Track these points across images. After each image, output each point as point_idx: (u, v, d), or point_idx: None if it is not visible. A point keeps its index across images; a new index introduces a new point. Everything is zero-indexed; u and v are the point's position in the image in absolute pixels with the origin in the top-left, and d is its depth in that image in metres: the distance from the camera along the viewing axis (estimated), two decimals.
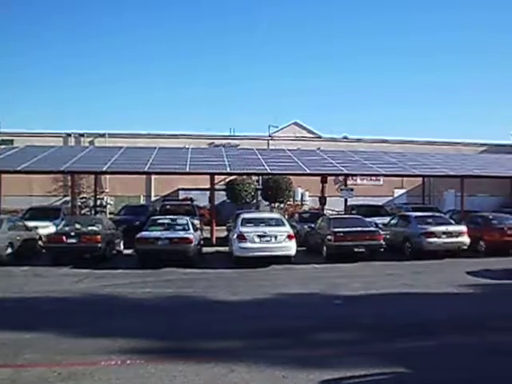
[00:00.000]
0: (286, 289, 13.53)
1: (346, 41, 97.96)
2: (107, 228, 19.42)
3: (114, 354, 7.65)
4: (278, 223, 18.65)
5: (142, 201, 36.31)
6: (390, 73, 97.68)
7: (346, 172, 25.69)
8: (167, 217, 20.41)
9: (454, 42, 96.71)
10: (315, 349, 8.13)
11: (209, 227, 24.65)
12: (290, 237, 17.90)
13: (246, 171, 26.57)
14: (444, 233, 19.50)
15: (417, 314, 10.58)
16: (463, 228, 20.18)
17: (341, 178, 31.01)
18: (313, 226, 21.68)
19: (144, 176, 34.07)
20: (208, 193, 27.31)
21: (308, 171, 24.82)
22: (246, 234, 17.58)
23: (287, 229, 18.25)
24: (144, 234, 17.97)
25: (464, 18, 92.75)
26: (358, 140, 40.89)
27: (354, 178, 34.56)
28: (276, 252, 17.60)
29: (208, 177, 25.12)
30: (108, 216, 30.39)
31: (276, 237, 17.68)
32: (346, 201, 25.81)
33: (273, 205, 35.88)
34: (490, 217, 22.12)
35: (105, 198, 35.68)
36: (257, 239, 17.53)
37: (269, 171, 25.10)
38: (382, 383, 6.59)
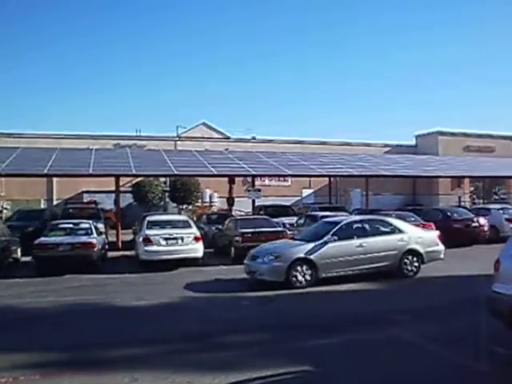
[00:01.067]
0: (193, 291, 13.26)
1: (257, 43, 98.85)
2: (2, 235, 18.22)
3: (6, 370, 7.08)
4: (185, 225, 18.32)
5: (43, 205, 34.48)
6: (301, 73, 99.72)
7: (253, 173, 25.76)
8: (68, 221, 19.48)
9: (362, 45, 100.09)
10: (221, 351, 8.00)
11: (115, 231, 23.84)
12: (196, 239, 17.64)
13: (151, 173, 26.00)
14: None
15: (323, 312, 10.67)
16: None
17: (249, 179, 31.05)
18: (220, 227, 21.48)
19: (45, 179, 32.44)
20: (114, 195, 26.47)
21: (215, 172, 24.66)
22: (151, 237, 17.16)
23: (194, 231, 17.97)
24: (43, 239, 17.03)
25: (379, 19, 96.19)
26: (267, 141, 41.13)
27: (263, 178, 34.76)
28: (183, 254, 17.26)
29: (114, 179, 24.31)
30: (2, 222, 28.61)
31: (183, 239, 17.37)
32: (253, 201, 25.86)
33: (181, 206, 35.38)
34: (393, 215, 22.73)
35: (0, 202, 33.60)
36: (163, 242, 17.14)
37: (175, 173, 24.68)
38: (288, 383, 6.52)
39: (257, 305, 11.68)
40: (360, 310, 10.85)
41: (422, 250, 14.91)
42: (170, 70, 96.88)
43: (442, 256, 15.45)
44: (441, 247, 15.54)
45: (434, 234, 16.22)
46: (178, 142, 39.19)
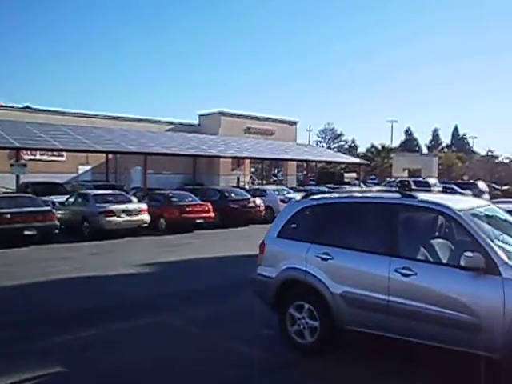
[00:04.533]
0: None
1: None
2: None
3: None
4: None
5: None
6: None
7: (17, 145, 23.20)
8: None
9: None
10: None
11: None
12: None
13: None
14: (124, 211, 19.09)
15: (85, 301, 9.68)
16: (143, 206, 20.15)
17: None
18: None
19: None
20: None
21: None
22: None
23: None
24: None
25: None
26: (44, 111, 37.27)
27: (33, 152, 31.70)
28: None
29: None
30: None
31: None
32: (18, 177, 23.26)
33: None
34: (170, 195, 22.49)
35: None
36: None
37: None
38: None
39: (6, 296, 10.23)
40: (126, 295, 10.17)
41: None
42: None
43: None
44: None
45: None
46: None
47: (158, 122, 43.42)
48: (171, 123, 44.43)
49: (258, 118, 48.16)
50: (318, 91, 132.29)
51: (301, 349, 6.56)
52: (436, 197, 6.82)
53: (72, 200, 20.67)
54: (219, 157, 36.64)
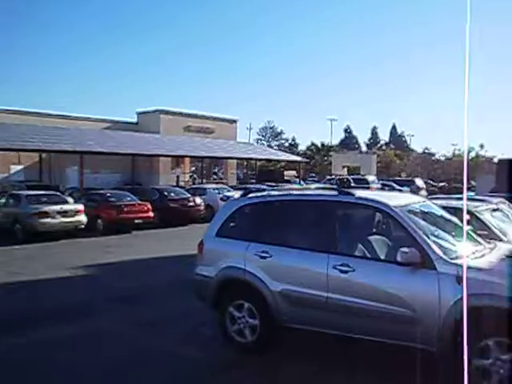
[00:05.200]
0: None
1: None
2: None
3: None
4: None
5: None
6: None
7: None
8: None
9: None
10: None
11: None
12: None
13: None
14: (59, 212, 18.41)
15: (18, 307, 9.35)
16: (80, 207, 19.51)
17: None
18: None
19: None
20: None
21: None
22: None
23: None
24: None
25: None
26: None
27: None
28: None
29: None
30: None
31: None
32: None
33: None
34: (108, 194, 22.07)
35: None
36: None
37: None
38: None
39: None
40: (62, 299, 9.82)
41: None
42: None
43: None
44: None
45: None
46: None
47: (95, 120, 42.22)
48: (108, 121, 43.36)
49: (198, 116, 47.65)
50: (258, 91, 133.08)
51: (242, 348, 6.53)
52: (373, 194, 6.92)
53: (3, 201, 19.81)
54: (158, 155, 36.14)
